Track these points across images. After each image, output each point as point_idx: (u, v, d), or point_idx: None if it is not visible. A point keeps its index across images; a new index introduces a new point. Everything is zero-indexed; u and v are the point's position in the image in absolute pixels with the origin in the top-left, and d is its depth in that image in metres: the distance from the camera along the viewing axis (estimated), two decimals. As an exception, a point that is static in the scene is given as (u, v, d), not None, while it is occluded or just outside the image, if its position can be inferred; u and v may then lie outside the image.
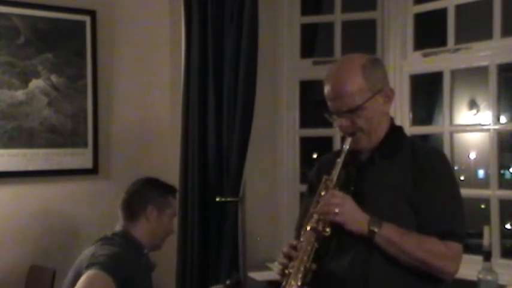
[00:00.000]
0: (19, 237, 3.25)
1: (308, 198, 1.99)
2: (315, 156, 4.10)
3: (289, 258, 1.78)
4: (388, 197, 1.80)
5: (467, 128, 3.26)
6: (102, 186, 3.49)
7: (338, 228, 1.76)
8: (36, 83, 3.28)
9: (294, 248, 1.80)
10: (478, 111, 3.57)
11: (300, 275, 1.72)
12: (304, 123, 3.57)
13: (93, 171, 3.46)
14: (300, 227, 1.89)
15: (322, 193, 1.83)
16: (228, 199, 3.25)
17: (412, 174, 1.80)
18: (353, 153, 1.88)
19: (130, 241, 2.36)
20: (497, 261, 2.76)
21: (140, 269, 2.33)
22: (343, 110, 1.83)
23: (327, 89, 1.88)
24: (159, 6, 3.68)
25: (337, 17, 3.45)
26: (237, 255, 3.23)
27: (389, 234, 1.73)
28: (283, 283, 1.75)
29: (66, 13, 3.38)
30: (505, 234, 3.33)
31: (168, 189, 2.54)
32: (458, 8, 3.04)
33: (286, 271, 1.75)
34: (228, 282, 2.76)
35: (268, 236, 3.46)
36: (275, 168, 3.53)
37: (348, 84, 1.82)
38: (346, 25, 3.44)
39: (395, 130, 1.93)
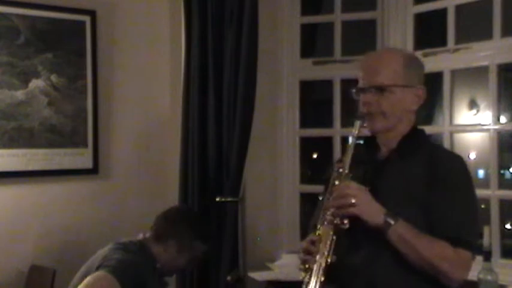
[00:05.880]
0: (19, 237, 3.25)
1: (324, 194, 1.95)
2: (315, 156, 4.10)
3: (309, 253, 1.77)
4: (401, 198, 1.79)
5: (467, 128, 3.26)
6: (102, 186, 3.50)
7: (353, 223, 1.75)
8: (36, 83, 3.28)
9: (313, 243, 1.78)
10: (478, 111, 3.57)
11: (321, 271, 1.72)
12: (304, 123, 3.56)
13: (93, 171, 3.46)
14: (315, 223, 1.86)
15: (336, 182, 1.81)
16: (228, 199, 3.24)
17: (428, 177, 1.79)
18: (371, 152, 1.88)
19: (145, 252, 2.36)
20: (497, 261, 2.76)
21: (152, 278, 2.33)
22: (373, 85, 1.83)
23: (362, 67, 1.89)
24: (159, 6, 3.68)
25: (337, 17, 3.45)
26: (237, 255, 3.22)
27: (403, 230, 1.72)
28: (306, 279, 1.75)
29: (66, 13, 3.38)
30: (505, 234, 3.32)
31: (200, 233, 2.51)
32: (458, 8, 3.04)
33: (307, 265, 1.75)
34: (228, 278, 2.76)
35: (268, 236, 3.45)
36: (275, 168, 3.52)
37: (386, 62, 1.85)
38: (346, 25, 3.44)
39: (416, 132, 1.93)
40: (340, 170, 1.82)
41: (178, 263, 2.46)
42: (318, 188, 3.71)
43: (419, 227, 1.75)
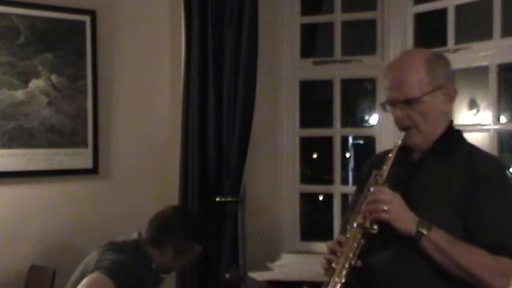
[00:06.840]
0: (19, 237, 3.25)
1: (357, 194, 1.92)
2: (315, 156, 4.10)
3: (335, 253, 1.75)
4: (436, 202, 1.74)
5: (467, 128, 3.25)
6: (102, 186, 3.49)
7: (385, 227, 1.71)
8: (36, 83, 3.28)
9: (340, 244, 1.76)
10: (478, 111, 3.57)
11: (344, 272, 1.70)
12: (304, 123, 3.56)
13: (93, 171, 3.46)
14: (346, 222, 1.83)
15: (371, 189, 1.78)
16: (228, 199, 3.25)
17: (466, 182, 1.73)
18: (406, 152, 1.83)
19: (140, 252, 2.35)
20: (497, 261, 2.75)
21: (148, 278, 2.32)
22: (400, 99, 1.78)
23: (386, 77, 1.83)
24: (159, 6, 3.68)
25: (337, 17, 3.45)
26: (237, 255, 3.23)
27: (437, 239, 1.66)
28: (327, 279, 1.72)
29: (66, 13, 3.38)
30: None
31: (195, 236, 2.48)
32: (458, 8, 3.04)
33: (333, 265, 1.73)
34: (227, 275, 2.76)
35: (268, 236, 3.45)
36: (275, 168, 3.52)
37: (409, 73, 1.78)
38: (346, 25, 3.44)
39: (452, 133, 1.87)
40: (378, 177, 1.79)
41: (175, 266, 2.47)
42: (318, 188, 3.79)
43: (456, 232, 1.69)
